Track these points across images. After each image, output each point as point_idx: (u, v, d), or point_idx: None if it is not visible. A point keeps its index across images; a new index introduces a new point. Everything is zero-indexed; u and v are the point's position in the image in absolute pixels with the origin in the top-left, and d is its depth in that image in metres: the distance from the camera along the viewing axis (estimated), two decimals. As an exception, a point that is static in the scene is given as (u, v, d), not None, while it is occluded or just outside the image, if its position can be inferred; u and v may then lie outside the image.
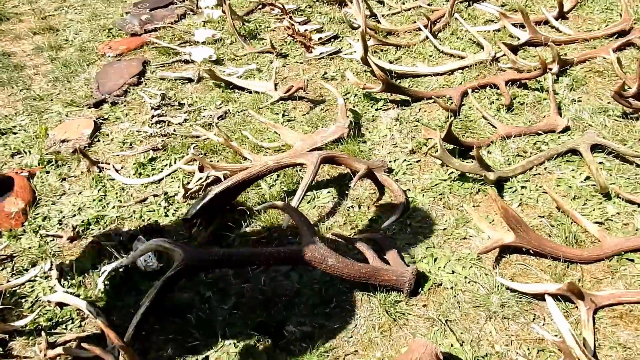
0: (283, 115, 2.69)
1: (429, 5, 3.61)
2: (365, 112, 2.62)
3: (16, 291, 1.91)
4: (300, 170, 2.25)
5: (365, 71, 2.94)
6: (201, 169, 2.24)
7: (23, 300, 1.87)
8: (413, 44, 3.13)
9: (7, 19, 4.40)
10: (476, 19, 3.31)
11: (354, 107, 2.67)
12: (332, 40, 3.39)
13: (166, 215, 2.16)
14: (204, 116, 2.78)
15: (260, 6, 3.97)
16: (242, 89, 2.95)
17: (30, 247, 2.09)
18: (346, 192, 2.11)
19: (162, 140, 2.60)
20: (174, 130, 2.68)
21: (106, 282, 1.84)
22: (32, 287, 1.93)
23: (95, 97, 3.05)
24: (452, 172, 2.14)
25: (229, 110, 2.80)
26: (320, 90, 2.87)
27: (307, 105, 2.76)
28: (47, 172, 2.50)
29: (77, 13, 4.43)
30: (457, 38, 3.13)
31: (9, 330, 1.71)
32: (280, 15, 3.72)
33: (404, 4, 3.72)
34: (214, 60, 3.30)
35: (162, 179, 2.36)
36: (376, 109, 2.63)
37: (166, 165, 2.46)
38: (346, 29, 3.47)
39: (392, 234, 1.92)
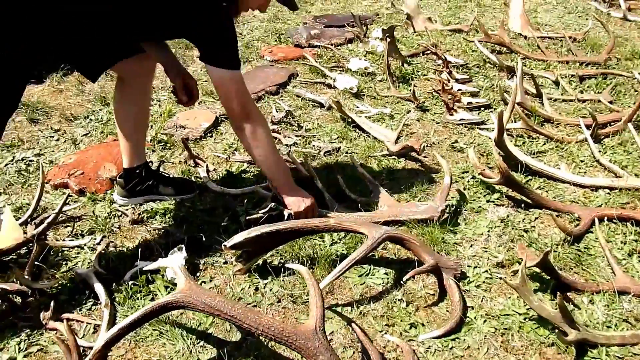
0: (387, 173, 2.49)
1: (611, 102, 3.12)
2: (474, 200, 2.31)
3: (63, 252, 2.00)
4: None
5: (499, 153, 2.61)
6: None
7: (63, 262, 1.95)
8: (568, 141, 2.72)
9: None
10: (659, 136, 2.77)
11: (464, 189, 2.37)
12: (483, 109, 3.09)
13: (224, 232, 2.10)
14: (313, 145, 2.69)
15: (427, 51, 3.79)
16: (363, 130, 2.81)
17: (99, 216, 2.18)
18: (402, 281, 1.86)
19: (262, 157, 2.57)
20: (279, 150, 2.63)
21: (131, 280, 1.83)
22: (78, 253, 2.00)
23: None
24: (531, 308, 1.77)
25: (340, 147, 2.67)
26: (438, 160, 2.61)
27: (416, 169, 2.53)
28: (153, 151, 2.62)
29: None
30: (625, 151, 2.64)
31: (33, 287, 1.78)
32: (441, 67, 3.50)
33: (582, 92, 3.27)
34: (354, 93, 3.21)
35: (240, 195, 2.32)
36: (487, 201, 2.30)
37: (253, 182, 2.42)
38: (503, 101, 3.15)
39: (424, 348, 1.63)
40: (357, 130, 2.83)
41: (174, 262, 1.57)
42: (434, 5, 4.99)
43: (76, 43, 1.74)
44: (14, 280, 1.77)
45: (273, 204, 2.07)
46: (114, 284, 1.83)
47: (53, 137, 2.69)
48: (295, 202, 2.02)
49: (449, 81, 3.33)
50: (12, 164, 2.47)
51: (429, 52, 3.77)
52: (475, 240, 2.09)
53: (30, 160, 2.50)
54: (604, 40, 3.90)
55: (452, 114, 2.97)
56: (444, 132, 2.87)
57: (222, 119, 2.89)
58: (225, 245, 1.83)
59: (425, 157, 2.62)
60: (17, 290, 1.77)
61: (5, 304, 1.75)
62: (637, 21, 4.44)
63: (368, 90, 3.29)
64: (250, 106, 1.88)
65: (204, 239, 2.02)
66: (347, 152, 2.65)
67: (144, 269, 1.79)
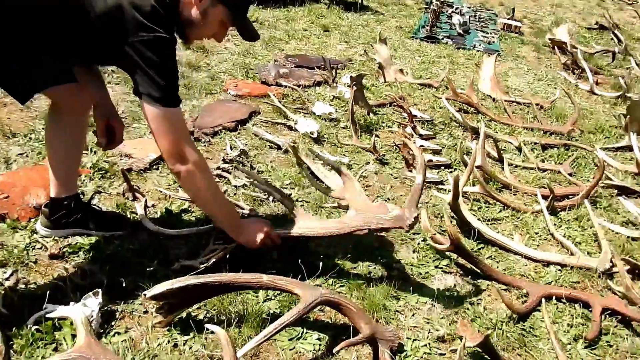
0: (336, 225, 2.38)
1: (570, 175, 3.09)
2: (422, 264, 2.20)
3: (-34, 285, 1.80)
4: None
5: (453, 216, 2.52)
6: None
7: (-37, 297, 1.75)
8: (524, 210, 2.65)
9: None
10: (615, 215, 2.73)
11: (413, 251, 2.27)
12: (443, 168, 3.03)
13: (150, 276, 1.93)
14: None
15: (395, 103, 3.74)
16: (318, 178, 2.70)
17: (16, 246, 1.99)
18: (334, 351, 1.71)
19: (206, 197, 2.43)
20: (225, 192, 2.50)
21: (35, 324, 1.64)
22: (-17, 289, 1.80)
23: (187, 127, 3.00)
24: (468, 392, 1.64)
25: (291, 194, 2.55)
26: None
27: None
28: (91, 179, 2.45)
29: (235, 44, 4.59)
30: (580, 227, 2.58)
31: None
32: (406, 121, 3.45)
33: (543, 161, 3.25)
34: (314, 137, 3.11)
35: (175, 236, 2.16)
36: (435, 267, 2.20)
37: (194, 224, 2.26)
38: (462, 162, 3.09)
39: None
40: (313, 177, 2.72)
41: (76, 312, 1.40)
42: (407, 58, 5.01)
43: (3, 58, 1.59)
44: None
45: (215, 245, 1.95)
46: (15, 328, 1.63)
47: (-12, 150, 2.51)
48: (250, 239, 1.93)
49: (412, 136, 3.27)
50: None
51: (396, 103, 3.72)
52: (419, 309, 1.97)
53: (-46, 177, 2.31)
54: (570, 111, 3.93)
55: (410, 171, 2.89)
56: (401, 188, 2.78)
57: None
58: (145, 295, 1.67)
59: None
60: None
61: None
62: (604, 96, 4.51)
63: (330, 136, 3.20)
64: (184, 148, 1.70)
65: (124, 283, 1.85)
66: (297, 200, 2.53)
67: (48, 315, 1.61)
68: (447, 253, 2.21)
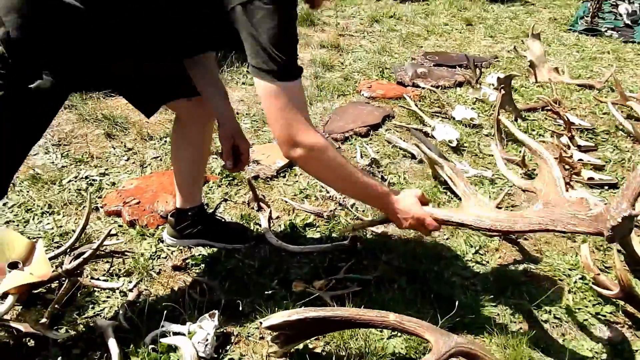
0: (475, 252, 2.09)
1: None
2: (579, 309, 1.83)
3: (94, 292, 1.82)
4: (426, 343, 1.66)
5: (620, 252, 2.10)
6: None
7: (91, 306, 1.76)
8: None
9: (314, 25, 4.62)
10: None
11: (569, 291, 1.91)
12: (606, 188, 2.57)
13: (268, 298, 1.82)
14: (394, 205, 2.34)
15: (548, 107, 3.30)
16: (455, 193, 2.42)
17: (142, 254, 1.99)
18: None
19: (332, 210, 2.27)
20: (353, 205, 2.31)
21: (151, 343, 1.59)
22: (108, 297, 1.81)
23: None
24: None
25: (424, 211, 2.30)
26: (541, 246, 2.15)
27: (514, 254, 2.09)
28: (218, 186, 2.41)
29: (371, 41, 4.40)
30: None
31: (46, 335, 1.60)
32: (562, 128, 3.01)
33: None
34: (453, 146, 2.82)
35: (297, 254, 2.02)
36: (596, 313, 1.82)
37: (318, 240, 2.12)
38: (634, 181, 2.60)
39: None
40: (448, 192, 2.44)
41: (187, 346, 1.31)
42: (563, 54, 4.45)
43: (130, 72, 1.54)
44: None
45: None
46: (132, 345, 1.60)
47: (123, 156, 2.58)
48: (398, 218, 1.59)
49: (569, 147, 2.83)
50: (75, 182, 2.36)
51: (549, 108, 3.28)
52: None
53: (94, 180, 2.39)
54: None
55: (567, 190, 2.47)
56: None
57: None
58: (261, 323, 1.55)
59: (525, 239, 2.18)
60: (31, 334, 1.60)
61: (17, 347, 1.59)
62: None
63: (470, 145, 2.88)
64: (298, 131, 1.38)
65: (241, 306, 1.74)
66: (431, 219, 2.27)
67: (163, 340, 1.54)
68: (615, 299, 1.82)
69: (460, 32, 4.85)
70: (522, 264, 2.05)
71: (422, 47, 4.40)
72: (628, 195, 1.30)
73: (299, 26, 4.50)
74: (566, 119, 2.97)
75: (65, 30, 1.32)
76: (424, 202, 1.61)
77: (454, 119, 3.12)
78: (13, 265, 1.67)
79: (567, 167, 2.61)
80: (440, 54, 4.18)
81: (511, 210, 2.38)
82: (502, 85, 2.98)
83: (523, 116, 3.22)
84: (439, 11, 5.38)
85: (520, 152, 2.71)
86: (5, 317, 1.60)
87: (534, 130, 3.09)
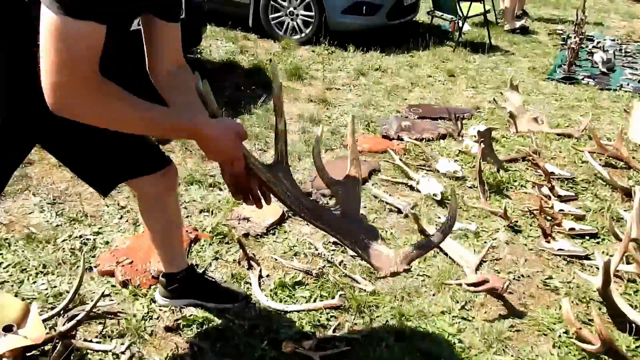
0: (461, 307, 2.14)
1: None
2: (561, 364, 1.89)
3: (87, 354, 1.84)
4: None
5: (602, 303, 2.16)
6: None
7: (83, 369, 1.79)
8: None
9: (302, 80, 4.76)
10: None
11: (553, 345, 1.96)
12: (587, 238, 2.65)
13: (244, 349, 1.85)
14: (381, 260, 2.40)
15: (528, 158, 3.41)
16: (440, 248, 2.49)
17: (135, 315, 2.02)
18: None
19: (322, 268, 2.32)
20: (341, 262, 2.37)
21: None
22: (100, 359, 1.83)
23: (305, 188, 2.95)
24: None
25: (410, 267, 2.36)
26: (526, 300, 2.21)
27: (497, 310, 2.15)
28: (210, 244, 2.46)
29: (357, 95, 4.54)
30: None
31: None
32: (542, 180, 3.11)
33: None
34: (438, 200, 2.90)
35: (286, 312, 2.06)
36: (578, 371, 1.87)
37: (306, 297, 2.16)
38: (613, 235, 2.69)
39: None
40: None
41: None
42: (542, 103, 4.62)
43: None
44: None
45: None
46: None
47: (117, 214, 2.62)
48: (209, 149, 1.30)
49: (549, 198, 2.93)
50: (69, 241, 2.40)
51: (530, 158, 3.39)
52: None
53: (87, 239, 2.43)
54: None
55: (548, 241, 2.56)
56: (537, 262, 2.46)
57: (288, 214, 2.69)
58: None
59: (510, 293, 2.24)
60: (24, 400, 1.62)
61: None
62: None
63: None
64: (76, 80, 1.08)
65: (233, 369, 1.78)
66: (418, 275, 2.33)
67: (154, 404, 1.57)
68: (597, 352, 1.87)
69: (443, 84, 5.02)
70: (508, 319, 2.10)
71: (406, 99, 4.54)
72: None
73: (288, 80, 4.65)
74: (545, 170, 3.08)
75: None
76: (243, 138, 1.32)
77: (438, 171, 3.22)
78: (7, 329, 1.70)
79: (548, 218, 2.70)
80: (423, 106, 4.32)
81: (495, 263, 2.45)
82: (482, 139, 3.09)
83: (505, 167, 3.32)
84: (423, 63, 5.56)
85: (503, 204, 2.80)
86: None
87: (515, 181, 3.19)
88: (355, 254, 1.39)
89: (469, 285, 2.20)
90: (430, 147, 3.57)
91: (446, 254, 2.45)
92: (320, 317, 2.04)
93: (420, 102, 4.49)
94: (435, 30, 6.86)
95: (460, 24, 6.29)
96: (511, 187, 3.13)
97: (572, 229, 2.67)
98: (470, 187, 3.11)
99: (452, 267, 2.37)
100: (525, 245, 2.59)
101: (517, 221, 2.75)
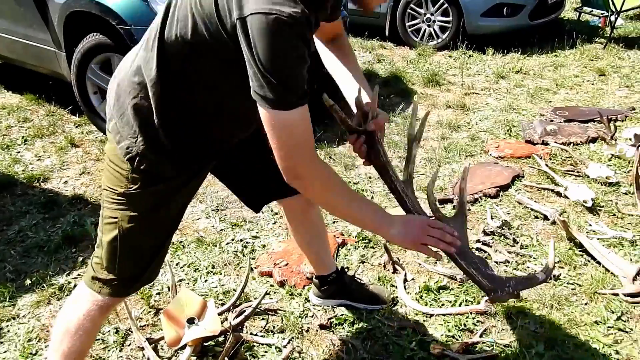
0: (617, 318, 2.05)
1: None
2: None
3: (253, 347, 2.07)
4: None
5: None
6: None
7: (250, 358, 2.01)
8: None
9: (439, 85, 4.78)
10: None
11: None
12: None
13: (409, 359, 1.95)
14: (528, 267, 2.37)
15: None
16: (593, 257, 2.39)
17: (292, 313, 2.22)
18: None
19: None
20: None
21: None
22: (265, 351, 2.05)
23: (446, 194, 2.99)
24: None
25: (560, 275, 2.31)
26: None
27: (661, 324, 2.03)
28: (356, 248, 2.61)
29: (497, 99, 4.45)
30: None
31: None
32: None
33: None
34: (588, 207, 2.78)
35: (432, 316, 2.14)
36: None
37: (451, 302, 2.22)
38: None
39: None
40: (585, 255, 2.42)
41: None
42: None
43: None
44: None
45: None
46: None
47: (271, 220, 2.88)
48: (400, 236, 1.42)
49: None
50: (232, 244, 2.70)
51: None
52: None
53: (247, 242, 2.71)
54: None
55: None
56: None
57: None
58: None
59: (675, 306, 2.10)
60: (203, 384, 1.88)
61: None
62: None
63: (607, 204, 2.82)
64: (295, 162, 1.30)
65: (384, 367, 1.90)
66: (568, 283, 2.27)
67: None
68: None
69: (593, 84, 4.72)
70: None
71: (550, 102, 4.36)
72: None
73: (425, 87, 4.71)
74: None
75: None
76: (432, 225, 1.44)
77: (588, 177, 3.07)
78: (191, 321, 1.99)
79: None
80: (570, 108, 4.11)
81: (656, 274, 2.30)
82: (639, 142, 2.90)
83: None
84: (569, 62, 5.28)
85: (664, 211, 2.61)
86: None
87: (679, 186, 2.94)
88: (467, 275, 1.46)
89: (626, 295, 2.10)
90: (579, 152, 3.41)
91: (599, 263, 2.35)
92: (467, 321, 2.08)
93: (566, 104, 4.28)
94: (583, 27, 6.46)
95: (613, 19, 5.85)
96: (674, 193, 2.89)
97: None
98: (626, 194, 2.93)
99: (605, 277, 2.27)
100: (694, 256, 2.39)
101: (684, 230, 2.55)
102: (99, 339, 2.11)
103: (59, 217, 2.96)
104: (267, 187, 1.87)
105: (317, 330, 2.13)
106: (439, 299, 2.24)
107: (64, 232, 2.79)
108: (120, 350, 2.06)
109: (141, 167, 1.41)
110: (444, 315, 2.13)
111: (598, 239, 2.50)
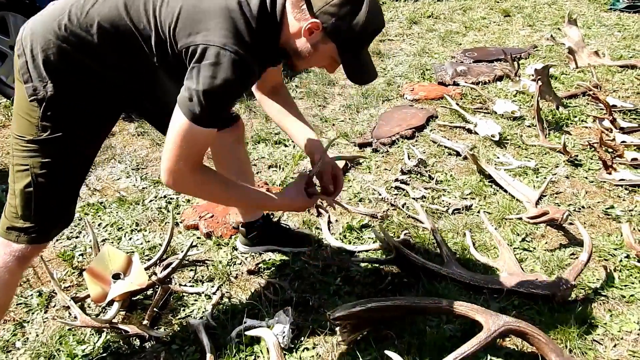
0: (522, 239, 2.24)
1: None
2: (625, 286, 1.96)
3: (183, 297, 2.09)
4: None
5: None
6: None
7: (181, 308, 2.04)
8: None
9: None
10: None
11: (614, 269, 2.03)
12: (651, 167, 2.65)
13: (334, 293, 2.04)
14: (443, 201, 2.52)
15: (588, 93, 3.37)
16: (500, 186, 2.57)
17: (220, 262, 2.25)
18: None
19: (386, 211, 2.47)
20: (404, 205, 2.51)
21: (237, 337, 1.85)
22: (195, 300, 2.08)
23: (365, 138, 3.08)
24: None
25: (471, 205, 2.47)
26: (587, 230, 2.28)
27: (556, 239, 2.23)
28: (280, 195, 2.65)
29: (410, 44, 4.56)
30: None
31: (149, 334, 1.89)
32: (603, 113, 3.09)
33: None
34: (496, 140, 2.96)
35: (355, 252, 2.24)
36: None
37: (373, 239, 2.32)
38: (678, 159, 2.67)
39: None
40: (494, 185, 2.60)
41: (269, 335, 1.55)
42: (604, 35, 4.47)
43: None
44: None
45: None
46: (221, 339, 1.86)
47: (194, 175, 2.86)
48: (287, 203, 1.68)
49: (610, 131, 2.92)
50: (155, 201, 2.67)
51: (590, 93, 3.35)
52: (622, 339, 1.77)
53: (171, 198, 2.68)
54: None
55: (609, 173, 2.58)
56: (598, 194, 2.51)
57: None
58: (329, 315, 1.77)
59: (570, 223, 2.31)
60: (136, 334, 1.89)
61: (125, 345, 1.88)
62: None
63: (513, 137, 3.02)
64: (180, 171, 1.40)
65: (311, 301, 1.98)
66: (478, 212, 2.43)
67: (247, 333, 1.79)
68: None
69: (499, 25, 4.93)
70: (568, 248, 2.18)
71: (460, 44, 4.52)
72: (572, 273, 1.89)
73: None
74: (606, 103, 3.05)
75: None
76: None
77: (495, 113, 3.25)
78: (116, 276, 1.97)
79: (609, 150, 2.71)
80: (478, 49, 4.29)
81: (555, 197, 2.51)
82: (539, 77, 3.09)
83: (564, 104, 3.31)
84: (476, 5, 5.47)
85: (562, 140, 2.81)
86: (114, 320, 1.90)
87: (575, 116, 3.18)
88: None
89: (529, 218, 2.29)
90: (487, 90, 3.59)
91: (506, 191, 2.53)
92: (388, 255, 2.19)
93: (475, 45, 4.45)
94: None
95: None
96: (571, 123, 3.14)
97: (634, 159, 2.67)
98: (529, 126, 3.14)
99: (512, 203, 2.45)
100: (586, 178, 2.62)
101: (577, 155, 2.78)
102: (20, 303, 2.06)
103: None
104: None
105: (245, 276, 2.18)
106: (361, 237, 2.35)
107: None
108: (45, 312, 2.03)
109: (48, 113, 1.41)
110: (366, 251, 2.24)
111: (505, 169, 2.67)
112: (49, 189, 1.49)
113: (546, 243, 2.22)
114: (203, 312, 2.00)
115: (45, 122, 1.43)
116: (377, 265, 2.15)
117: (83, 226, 2.48)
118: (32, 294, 2.11)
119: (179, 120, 1.35)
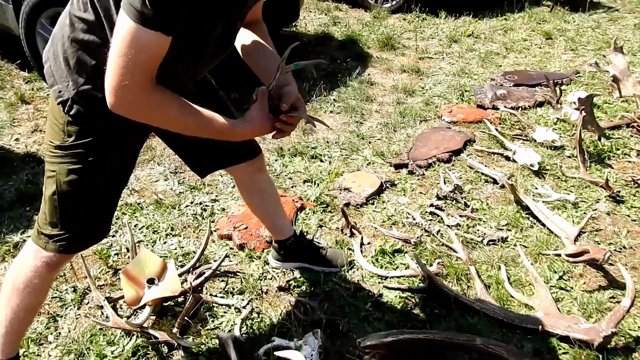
0: (559, 278, 2.19)
1: None
2: (665, 335, 1.91)
3: (213, 308, 2.10)
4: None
5: None
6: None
7: (211, 319, 2.05)
8: None
9: (394, 49, 4.80)
10: None
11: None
12: (696, 208, 2.58)
13: (363, 319, 2.03)
14: (478, 230, 2.49)
15: (632, 124, 3.29)
16: (537, 219, 2.52)
17: (252, 275, 2.26)
18: None
19: (419, 237, 2.45)
20: (438, 231, 2.48)
21: (264, 355, 1.85)
22: (225, 312, 2.09)
23: (401, 159, 3.05)
24: None
25: (507, 237, 2.43)
26: (628, 272, 2.22)
27: (596, 280, 2.18)
28: (314, 212, 2.65)
29: (450, 63, 4.52)
30: None
31: (178, 342, 1.90)
32: (648, 149, 3.02)
33: None
34: (535, 170, 2.91)
35: (387, 278, 2.22)
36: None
37: (405, 264, 2.30)
38: None
39: None
40: (531, 218, 2.55)
41: (298, 358, 1.55)
42: (650, 65, 4.37)
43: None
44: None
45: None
46: (249, 356, 1.86)
47: (230, 183, 2.87)
48: (246, 128, 1.44)
49: (655, 168, 2.85)
50: (191, 207, 2.69)
51: (635, 125, 3.27)
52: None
53: (207, 205, 2.70)
54: None
55: (652, 212, 2.52)
56: (642, 236, 2.45)
57: (387, 185, 2.83)
58: (359, 343, 1.76)
59: (611, 264, 2.25)
60: (165, 341, 1.91)
61: (153, 351, 1.90)
62: None
63: (552, 167, 2.96)
64: (126, 83, 1.19)
65: (341, 325, 1.97)
66: (514, 245, 2.39)
67: (276, 353, 1.79)
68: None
69: (540, 47, 4.86)
70: (608, 290, 2.13)
71: (501, 66, 4.46)
72: (612, 320, 1.83)
73: (381, 51, 4.72)
74: (652, 139, 2.98)
75: None
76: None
77: (535, 141, 3.20)
78: (150, 281, 1.99)
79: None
80: (519, 72, 4.23)
81: (595, 234, 2.45)
82: (582, 106, 3.03)
83: (607, 135, 3.24)
84: (518, 26, 5.39)
85: (604, 173, 2.75)
86: (144, 325, 1.93)
87: (618, 149, 3.11)
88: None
89: (567, 255, 2.24)
90: (527, 116, 3.53)
91: (543, 225, 2.49)
92: (420, 283, 2.17)
93: (515, 68, 4.40)
94: (532, -11, 6.57)
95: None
96: (614, 156, 3.06)
97: (679, 201, 2.60)
98: (569, 157, 3.08)
99: (549, 238, 2.41)
100: (628, 216, 2.56)
101: (619, 191, 2.71)
102: (55, 297, 2.10)
103: (12, 174, 2.88)
104: (209, 158, 1.87)
105: (275, 292, 2.18)
106: (394, 261, 2.33)
107: (17, 190, 2.73)
108: (78, 308, 2.07)
109: (71, 113, 1.37)
110: (397, 277, 2.22)
111: (543, 201, 2.63)
112: (74, 197, 1.46)
113: (584, 283, 2.17)
114: (232, 325, 2.01)
115: (70, 126, 1.40)
116: (409, 293, 2.13)
117: (120, 225, 2.52)
118: (67, 289, 2.15)
119: (121, 24, 1.16)
